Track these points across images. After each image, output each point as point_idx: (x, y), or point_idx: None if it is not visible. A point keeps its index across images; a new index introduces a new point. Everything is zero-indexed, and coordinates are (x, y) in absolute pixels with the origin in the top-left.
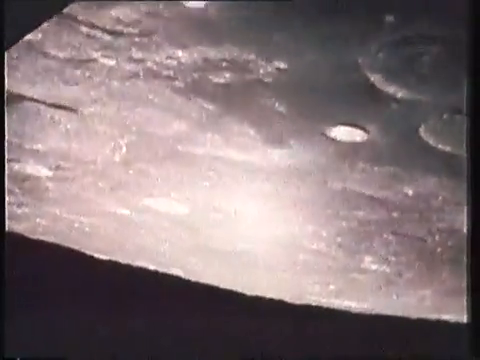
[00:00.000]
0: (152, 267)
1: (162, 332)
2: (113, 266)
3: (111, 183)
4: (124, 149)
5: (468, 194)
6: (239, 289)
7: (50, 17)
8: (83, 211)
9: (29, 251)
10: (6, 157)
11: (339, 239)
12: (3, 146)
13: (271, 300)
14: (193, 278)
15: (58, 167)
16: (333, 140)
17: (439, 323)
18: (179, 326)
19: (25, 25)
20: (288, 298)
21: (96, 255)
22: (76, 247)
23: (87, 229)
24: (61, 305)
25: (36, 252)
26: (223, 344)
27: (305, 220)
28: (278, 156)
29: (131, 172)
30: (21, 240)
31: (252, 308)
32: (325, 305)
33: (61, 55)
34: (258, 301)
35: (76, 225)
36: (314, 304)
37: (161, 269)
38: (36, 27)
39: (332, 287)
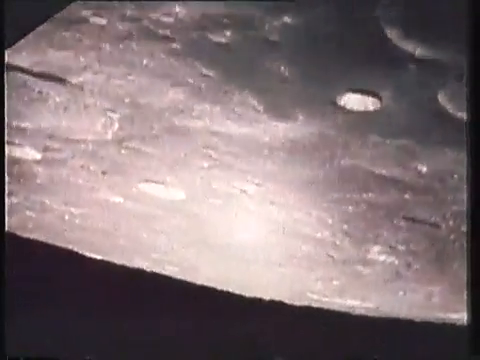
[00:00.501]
0: (148, 264)
1: (161, 332)
2: (112, 265)
3: (103, 166)
4: (116, 125)
5: (468, 169)
6: (238, 287)
7: (50, 17)
8: (73, 200)
9: (28, 250)
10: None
11: (345, 226)
12: (3, 146)
13: (271, 300)
14: (190, 275)
15: (47, 148)
16: (343, 109)
17: (445, 323)
18: (177, 326)
19: (25, 25)
20: (288, 298)
21: (88, 254)
22: (69, 245)
23: (77, 221)
24: (60, 305)
25: (35, 251)
26: (222, 344)
27: (310, 204)
28: (282, 130)
29: (124, 152)
30: (19, 240)
31: (251, 308)
32: (326, 305)
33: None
34: (257, 302)
35: (66, 217)
36: (315, 305)
37: (157, 266)
38: (36, 27)
39: (336, 283)
